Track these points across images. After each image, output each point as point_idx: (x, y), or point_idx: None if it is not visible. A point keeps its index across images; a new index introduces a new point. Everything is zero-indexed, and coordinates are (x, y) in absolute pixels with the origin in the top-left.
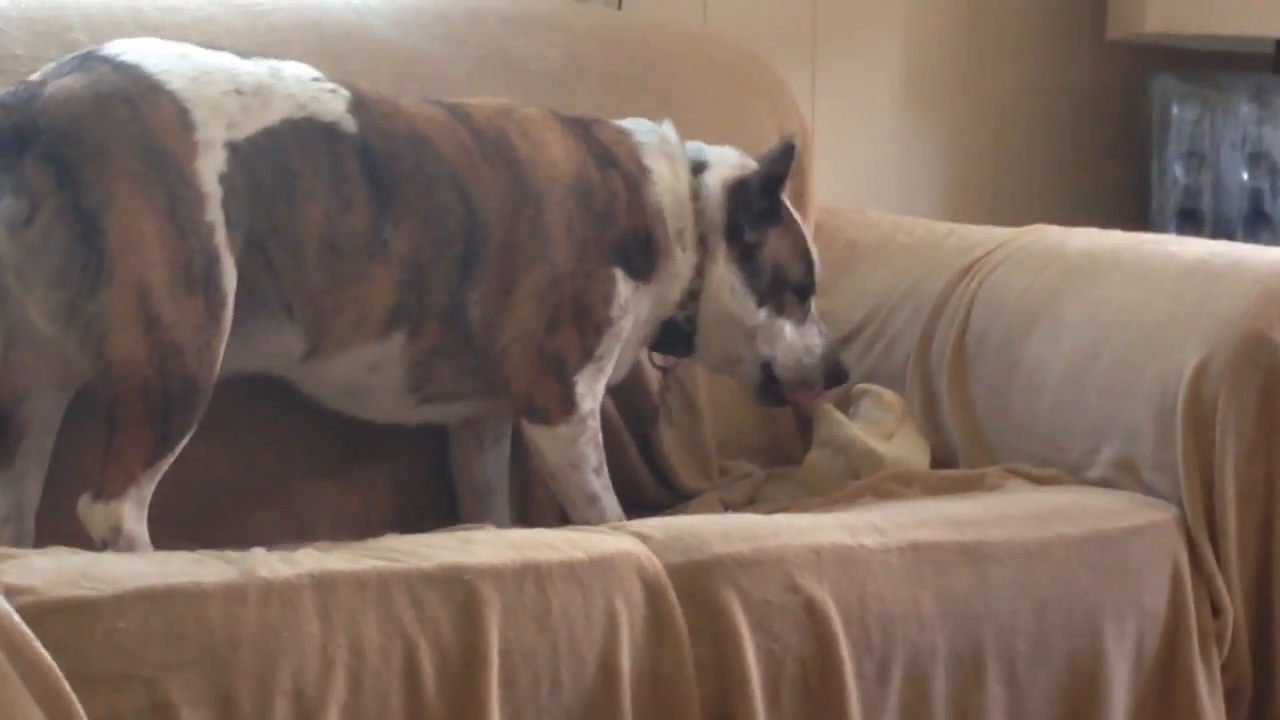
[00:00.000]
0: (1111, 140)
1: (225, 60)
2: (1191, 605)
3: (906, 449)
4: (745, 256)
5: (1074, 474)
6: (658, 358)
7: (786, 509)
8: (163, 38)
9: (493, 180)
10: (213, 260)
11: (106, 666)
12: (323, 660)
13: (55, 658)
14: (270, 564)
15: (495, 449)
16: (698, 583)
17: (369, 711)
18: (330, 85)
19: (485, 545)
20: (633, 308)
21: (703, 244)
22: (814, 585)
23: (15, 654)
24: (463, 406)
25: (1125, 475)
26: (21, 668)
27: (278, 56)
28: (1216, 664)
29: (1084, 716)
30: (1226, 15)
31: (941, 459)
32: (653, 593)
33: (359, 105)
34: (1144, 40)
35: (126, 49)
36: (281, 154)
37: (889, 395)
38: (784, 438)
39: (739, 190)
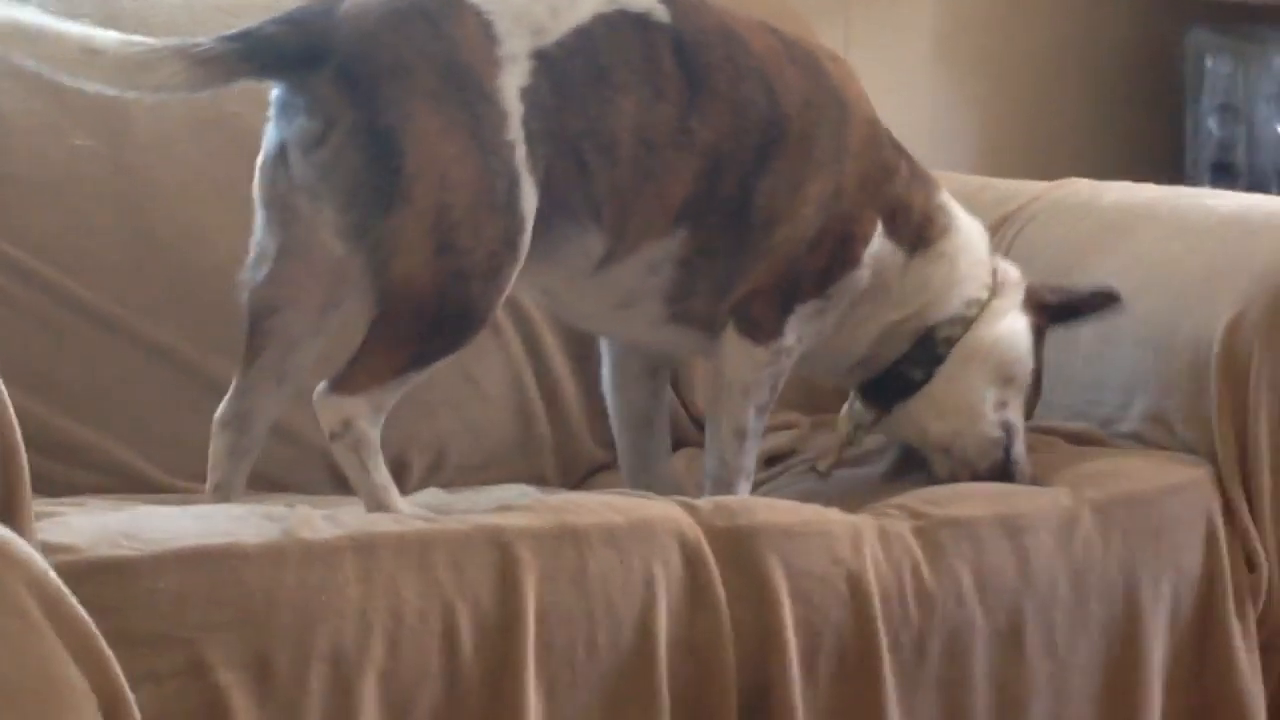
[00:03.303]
0: (1145, 94)
1: None
2: (1226, 561)
3: None
4: (1036, 325)
5: (1106, 427)
6: (860, 413)
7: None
8: None
9: (797, 80)
10: (514, 182)
11: (144, 627)
12: (361, 623)
13: (93, 617)
14: (313, 524)
15: (654, 381)
16: (741, 549)
17: (407, 676)
18: None
19: (523, 508)
20: (882, 279)
21: (993, 277)
22: (855, 559)
23: (52, 611)
24: (699, 338)
25: (1158, 429)
26: (59, 626)
27: None
28: (1252, 619)
29: (1122, 679)
30: None
31: None
32: (691, 558)
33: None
34: None
35: None
36: (594, 51)
37: None
38: (819, 391)
39: (1061, 296)
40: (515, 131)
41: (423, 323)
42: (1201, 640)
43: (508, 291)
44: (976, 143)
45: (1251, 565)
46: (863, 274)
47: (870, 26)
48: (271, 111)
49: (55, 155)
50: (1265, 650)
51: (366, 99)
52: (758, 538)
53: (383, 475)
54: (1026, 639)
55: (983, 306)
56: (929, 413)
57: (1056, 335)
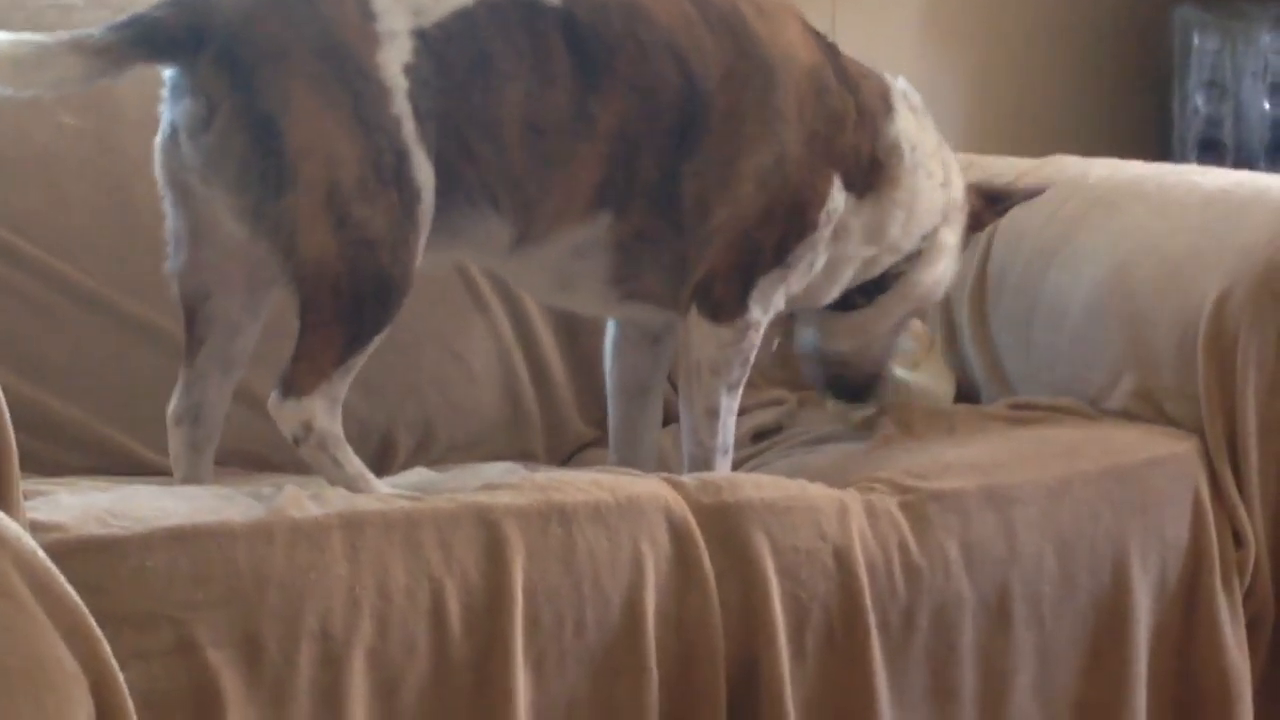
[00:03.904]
0: (1132, 71)
1: None
2: (1214, 536)
3: (932, 378)
4: (971, 231)
5: (1094, 405)
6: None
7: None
8: None
9: (716, 49)
10: (402, 156)
11: (133, 605)
12: (349, 602)
13: (82, 596)
14: (300, 503)
15: (656, 348)
16: (728, 525)
17: (395, 654)
18: None
19: (510, 486)
20: (840, 222)
21: (945, 212)
22: (842, 534)
23: (41, 591)
24: (662, 313)
25: (1146, 405)
26: (47, 605)
27: None
28: (1239, 594)
29: (1108, 651)
30: None
31: (962, 391)
32: (679, 536)
33: None
34: None
35: None
36: (475, 36)
37: (916, 325)
38: None
39: (997, 193)
40: (401, 106)
41: (343, 301)
42: (1188, 614)
43: (419, 258)
44: (963, 119)
45: (1238, 540)
46: (823, 234)
47: (858, 3)
48: (164, 92)
49: (42, 134)
50: (1251, 625)
51: (246, 82)
52: (744, 514)
53: (356, 465)
54: (1014, 611)
55: (932, 237)
56: (846, 330)
57: (1044, 313)
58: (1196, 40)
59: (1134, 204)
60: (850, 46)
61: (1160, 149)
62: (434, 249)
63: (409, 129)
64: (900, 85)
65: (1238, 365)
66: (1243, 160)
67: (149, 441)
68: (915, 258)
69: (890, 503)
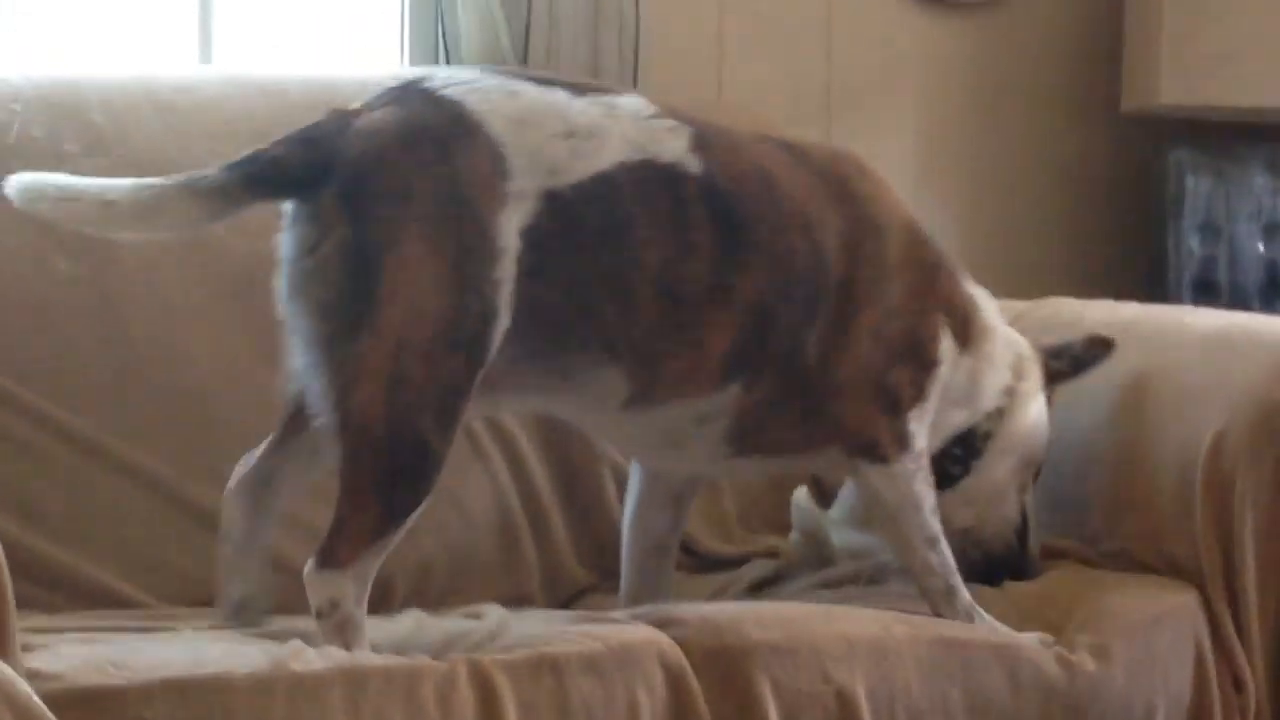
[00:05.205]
0: (1127, 212)
1: (558, 99)
2: (1215, 683)
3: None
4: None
5: (1093, 544)
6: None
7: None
8: (177, 118)
9: (835, 217)
10: (489, 319)
11: None
12: None
13: None
14: (303, 655)
15: (679, 507)
16: (731, 669)
17: None
18: (670, 123)
19: (503, 642)
20: (950, 365)
21: (1014, 367)
22: (846, 675)
23: None
24: (771, 463)
25: (1144, 546)
26: None
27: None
28: None
29: None
30: (1240, 87)
31: None
32: (676, 682)
33: (701, 143)
34: (1158, 112)
35: (453, 82)
36: (614, 199)
37: None
38: None
39: (1059, 350)
40: (506, 269)
41: (380, 471)
42: None
43: (460, 425)
44: (959, 260)
45: (1238, 685)
46: (943, 371)
47: (851, 144)
48: (284, 222)
49: (40, 282)
50: None
51: (361, 216)
52: (746, 656)
53: (366, 655)
54: None
55: (1012, 393)
56: (956, 502)
57: None
58: (1190, 182)
59: (1129, 345)
60: None
61: (1155, 290)
62: (544, 392)
63: (505, 292)
64: None
65: (1235, 506)
66: (1237, 301)
67: (143, 586)
68: (998, 415)
69: (896, 643)
